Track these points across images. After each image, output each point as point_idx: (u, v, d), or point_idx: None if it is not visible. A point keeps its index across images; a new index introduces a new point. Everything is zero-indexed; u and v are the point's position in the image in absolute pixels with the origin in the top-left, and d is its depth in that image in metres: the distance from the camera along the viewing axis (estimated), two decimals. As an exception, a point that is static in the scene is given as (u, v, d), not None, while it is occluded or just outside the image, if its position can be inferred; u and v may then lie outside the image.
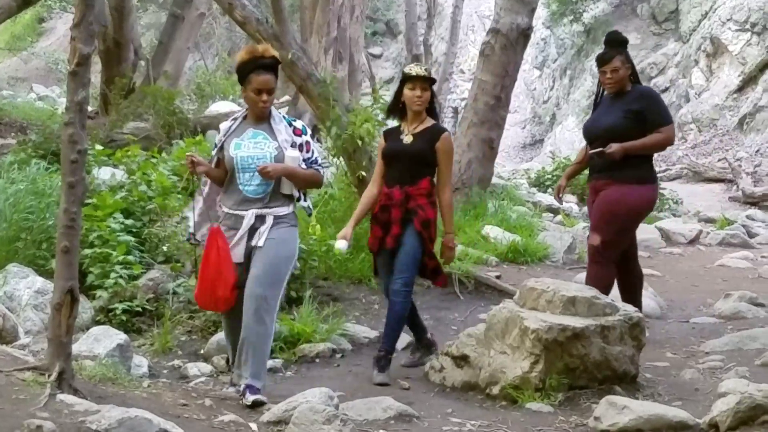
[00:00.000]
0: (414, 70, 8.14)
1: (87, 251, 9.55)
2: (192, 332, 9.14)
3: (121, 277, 9.56)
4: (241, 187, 7.06)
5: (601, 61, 8.81)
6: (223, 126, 7.32)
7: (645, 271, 12.23)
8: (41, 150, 15.23)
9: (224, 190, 7.23)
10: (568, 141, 30.04)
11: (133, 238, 10.27)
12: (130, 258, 9.91)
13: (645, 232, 15.49)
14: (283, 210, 7.11)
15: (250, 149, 7.02)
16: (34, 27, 53.41)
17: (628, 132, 8.64)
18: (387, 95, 20.36)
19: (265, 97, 7.03)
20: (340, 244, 8.15)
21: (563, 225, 16.11)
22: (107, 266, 9.72)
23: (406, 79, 8.19)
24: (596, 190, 8.93)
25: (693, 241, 15.87)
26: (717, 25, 27.92)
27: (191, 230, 7.39)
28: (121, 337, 8.16)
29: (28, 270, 9.91)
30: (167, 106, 18.53)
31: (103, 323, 8.95)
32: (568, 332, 7.31)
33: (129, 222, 10.44)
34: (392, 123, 8.94)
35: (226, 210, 7.18)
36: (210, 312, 9.04)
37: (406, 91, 8.19)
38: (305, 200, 7.33)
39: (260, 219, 7.03)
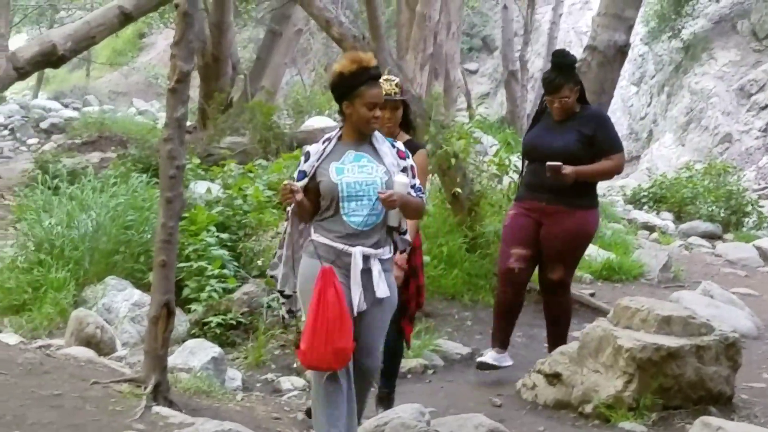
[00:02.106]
0: (384, 88, 6.86)
1: (183, 265, 9.67)
2: (285, 346, 9.18)
3: (215, 290, 9.68)
4: (345, 217, 5.77)
5: (549, 88, 8.29)
6: (314, 149, 6.00)
7: (742, 290, 12.13)
8: (140, 164, 15.51)
9: (318, 220, 5.88)
10: (665, 158, 29.74)
11: (228, 252, 10.39)
12: (225, 272, 10.02)
13: (742, 251, 15.32)
14: (387, 252, 5.91)
15: (356, 174, 5.80)
16: (134, 42, 54.17)
17: (580, 156, 8.17)
18: (482, 111, 20.32)
19: (378, 113, 5.89)
20: None
21: (659, 242, 15.96)
22: (202, 280, 9.85)
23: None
24: (541, 213, 8.32)
25: (793, 261, 15.59)
26: (819, 41, 27.56)
27: (278, 285, 6.13)
28: (215, 350, 8.25)
29: (126, 283, 10.10)
30: (265, 121, 18.73)
31: (198, 336, 9.06)
32: (662, 351, 7.24)
33: (224, 236, 10.57)
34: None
35: (322, 241, 5.81)
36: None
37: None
38: (406, 234, 6.13)
39: (365, 260, 5.77)
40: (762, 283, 13.30)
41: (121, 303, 9.69)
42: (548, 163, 8.08)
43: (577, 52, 30.05)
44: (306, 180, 5.87)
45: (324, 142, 5.99)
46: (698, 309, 9.18)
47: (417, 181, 6.05)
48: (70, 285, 9.92)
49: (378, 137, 6.01)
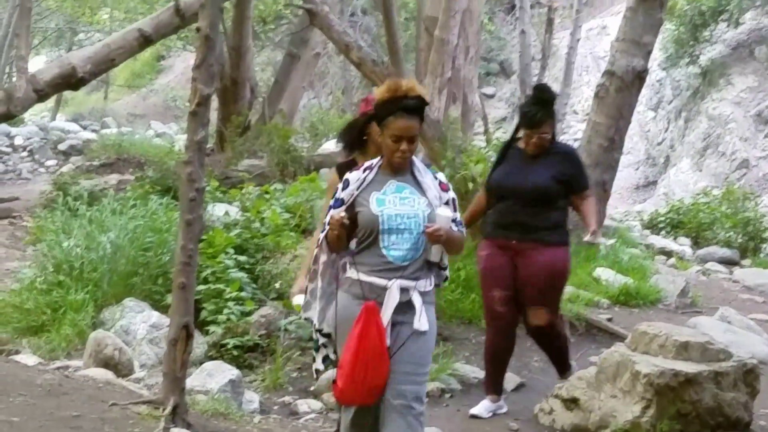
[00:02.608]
0: None
1: (201, 287, 9.69)
2: (303, 369, 9.18)
3: (233, 313, 9.70)
4: (384, 251, 5.51)
5: (530, 122, 7.90)
6: (354, 176, 5.70)
7: (760, 316, 12.10)
8: (158, 186, 15.55)
9: (353, 253, 5.64)
10: (683, 183, 29.70)
11: (246, 275, 10.42)
12: (243, 294, 10.05)
13: (760, 277, 15.29)
14: (428, 284, 5.63)
15: (398, 206, 5.54)
16: (153, 65, 54.43)
17: (554, 194, 7.94)
18: (500, 135, 20.36)
19: (404, 146, 5.54)
20: (300, 300, 6.36)
21: (676, 268, 15.93)
22: (220, 302, 9.87)
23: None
24: (514, 251, 7.97)
25: (815, 288, 15.51)
26: (838, 68, 27.54)
27: (315, 324, 5.88)
28: (233, 372, 8.27)
29: (144, 304, 10.14)
30: (282, 144, 18.81)
31: (216, 358, 9.07)
32: (680, 377, 7.24)
33: (242, 258, 10.60)
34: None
35: (359, 277, 5.56)
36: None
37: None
38: (446, 269, 5.85)
39: (404, 293, 5.50)
40: (783, 310, 13.26)
41: (139, 325, 9.72)
42: (590, 237, 7.98)
43: (595, 77, 30.02)
44: (343, 209, 5.56)
45: (365, 170, 5.71)
46: (716, 335, 9.18)
47: (458, 215, 5.77)
48: (88, 306, 9.95)
49: (420, 168, 5.74)
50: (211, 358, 9.11)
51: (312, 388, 8.78)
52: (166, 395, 6.34)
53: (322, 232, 5.72)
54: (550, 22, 25.15)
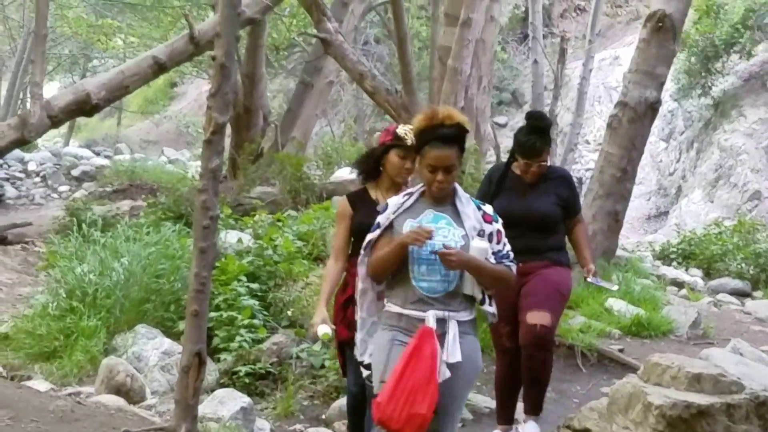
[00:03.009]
0: (408, 137, 6.53)
1: (213, 314, 9.72)
2: (314, 397, 9.20)
3: (245, 340, 9.74)
4: (414, 282, 5.42)
5: (529, 152, 7.67)
6: (393, 201, 5.69)
7: (771, 348, 12.05)
8: (171, 213, 15.59)
9: (387, 285, 5.62)
10: (694, 214, 29.68)
11: (257, 302, 10.45)
12: (255, 321, 10.08)
13: (768, 306, 15.27)
14: (466, 315, 5.50)
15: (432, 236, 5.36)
16: (166, 91, 54.65)
17: (557, 219, 7.85)
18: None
19: (441, 176, 5.43)
20: (325, 329, 6.50)
21: (688, 299, 15.90)
22: (232, 329, 9.90)
23: (396, 145, 6.73)
24: (521, 275, 7.03)
25: (824, 317, 15.47)
26: None
27: (357, 354, 5.86)
28: (244, 400, 8.29)
29: (156, 331, 10.17)
30: (295, 171, 18.83)
31: (228, 386, 9.09)
32: (692, 409, 7.20)
33: (255, 286, 10.64)
34: None
35: (394, 310, 5.50)
36: (333, 377, 9.12)
37: (395, 159, 6.75)
38: (491, 304, 5.66)
39: (441, 324, 5.36)
40: (792, 342, 13.22)
41: (151, 351, 9.75)
42: (590, 280, 7.92)
43: (607, 107, 30.06)
44: (379, 232, 5.62)
45: (405, 195, 5.69)
46: (728, 367, 9.13)
47: (505, 248, 5.66)
48: (100, 332, 9.99)
49: (462, 198, 5.60)
50: (223, 386, 9.13)
51: (323, 416, 8.79)
52: (178, 422, 6.33)
53: (361, 256, 5.71)
54: (562, 52, 25.21)
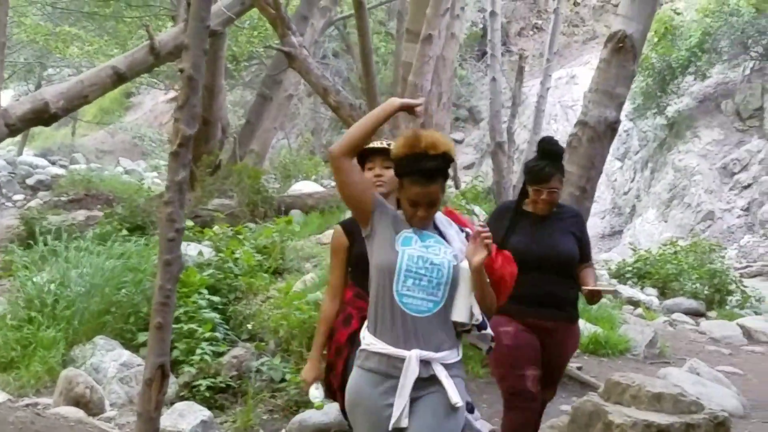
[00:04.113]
0: (374, 142, 6.06)
1: (173, 326, 9.66)
2: (274, 411, 9.18)
3: (206, 353, 9.68)
4: (396, 296, 4.80)
5: (539, 178, 6.92)
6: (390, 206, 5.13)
7: (727, 368, 12.17)
8: (127, 223, 15.53)
9: (369, 319, 4.98)
10: (648, 233, 29.93)
11: (218, 315, 10.41)
12: (216, 335, 10.04)
13: (726, 329, 15.38)
14: (453, 355, 4.88)
15: (422, 251, 4.89)
16: (121, 101, 54.49)
17: (576, 261, 7.06)
18: (473, 182, 20.39)
19: (422, 212, 4.91)
20: (315, 396, 6.05)
21: (644, 318, 16.00)
22: (192, 342, 9.85)
23: (364, 156, 6.09)
24: (545, 331, 6.92)
25: (776, 340, 15.63)
26: (803, 124, 27.86)
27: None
28: (204, 413, 8.28)
29: (115, 343, 10.12)
30: (253, 184, 18.82)
31: (187, 399, 9.06)
32: (653, 429, 7.24)
33: (215, 299, 10.60)
34: None
35: (373, 349, 4.86)
36: (293, 391, 9.10)
37: (366, 173, 6.07)
38: (485, 327, 5.01)
39: (425, 366, 4.74)
40: (746, 362, 13.32)
41: (110, 363, 9.69)
42: (600, 288, 7.09)
43: (563, 125, 30.18)
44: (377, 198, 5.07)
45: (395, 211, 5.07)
46: (686, 386, 9.21)
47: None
48: (59, 344, 9.91)
49: (443, 221, 5.11)
50: (183, 399, 9.10)
51: (283, 431, 8.77)
52: (141, 435, 6.31)
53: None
54: (520, 70, 25.28)
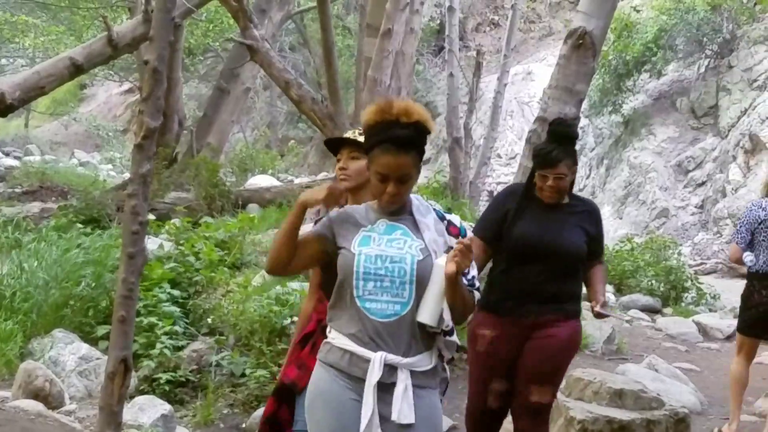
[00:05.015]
0: (347, 132, 5.61)
1: (133, 320, 9.63)
2: (234, 405, 9.15)
3: (166, 347, 9.63)
4: (358, 301, 4.32)
5: (544, 161, 6.33)
6: (343, 211, 4.62)
7: (684, 365, 12.25)
8: (82, 215, 15.43)
9: (331, 312, 4.53)
10: (603, 230, 30.10)
11: (178, 309, 10.37)
12: (176, 328, 9.99)
13: (682, 326, 15.47)
14: (425, 362, 4.37)
15: (382, 247, 4.37)
16: (75, 93, 54.12)
17: (583, 258, 6.40)
18: (431, 176, 20.42)
19: (392, 188, 4.36)
20: None
21: (600, 314, 16.07)
22: (152, 336, 9.80)
23: (335, 149, 5.60)
24: (530, 328, 6.29)
25: (730, 337, 15.69)
26: (756, 123, 27.96)
27: None
28: (165, 407, 8.25)
29: (74, 336, 10.04)
30: (210, 177, 18.75)
31: (147, 392, 9.02)
32: (614, 424, 7.32)
33: (176, 293, 10.55)
34: None
35: (336, 343, 4.41)
36: (253, 385, 9.07)
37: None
38: (453, 333, 4.47)
39: (389, 372, 4.26)
40: (703, 359, 13.43)
41: (68, 356, 9.60)
42: (599, 310, 6.24)
43: (519, 121, 30.27)
44: (311, 233, 4.56)
45: (366, 206, 4.61)
46: (645, 383, 9.27)
47: (471, 272, 4.49)
48: (17, 336, 9.82)
49: (420, 207, 4.55)
50: (142, 393, 9.05)
51: (244, 425, 8.75)
52: (102, 429, 6.25)
53: None
54: (478, 66, 25.31)
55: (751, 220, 8.96)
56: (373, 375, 4.20)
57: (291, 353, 5.52)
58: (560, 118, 7.18)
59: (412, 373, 4.28)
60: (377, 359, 4.22)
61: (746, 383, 9.24)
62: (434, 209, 4.58)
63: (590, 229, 6.44)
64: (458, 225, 4.55)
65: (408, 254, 4.33)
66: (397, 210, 4.47)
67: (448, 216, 4.58)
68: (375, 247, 4.36)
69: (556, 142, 6.36)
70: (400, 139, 4.29)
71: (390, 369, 4.23)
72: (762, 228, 8.90)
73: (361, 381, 4.26)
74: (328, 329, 4.49)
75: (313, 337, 5.33)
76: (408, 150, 4.32)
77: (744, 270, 9.52)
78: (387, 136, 4.30)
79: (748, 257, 8.99)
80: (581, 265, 6.39)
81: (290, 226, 4.44)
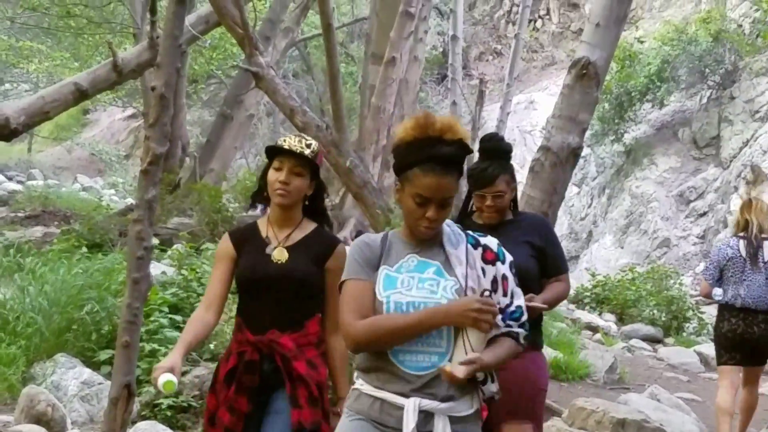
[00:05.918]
0: (286, 141, 5.11)
1: (135, 345, 9.62)
2: (235, 431, 9.12)
3: (168, 373, 9.60)
4: (390, 355, 3.84)
5: (480, 180, 5.84)
6: (363, 243, 4.08)
7: (686, 395, 12.22)
8: (85, 240, 15.43)
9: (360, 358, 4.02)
10: (604, 259, 30.05)
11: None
12: (178, 354, 9.97)
13: (684, 356, 15.48)
14: (464, 406, 3.88)
15: (413, 291, 3.86)
16: (78, 118, 54.21)
17: (533, 275, 5.78)
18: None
19: (433, 212, 3.88)
20: (168, 377, 4.74)
21: (602, 343, 16.07)
22: (154, 361, 9.77)
23: (273, 153, 5.17)
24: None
25: (731, 368, 15.69)
26: (758, 153, 27.99)
27: None
28: (167, 433, 8.22)
29: (76, 361, 10.00)
30: (213, 203, 18.75)
31: (149, 418, 8.98)
32: (617, 454, 7.31)
33: (178, 318, 10.53)
34: None
35: (365, 390, 3.93)
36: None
37: (270, 172, 5.11)
38: (493, 381, 4.02)
39: (425, 419, 3.78)
40: (704, 389, 13.41)
41: (71, 381, 9.58)
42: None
43: (521, 150, 30.35)
44: (360, 284, 3.98)
45: (382, 240, 4.08)
46: (647, 412, 9.26)
47: (514, 302, 4.04)
48: (19, 361, 9.81)
49: (451, 236, 4.04)
50: (144, 418, 9.01)
51: (245, 452, 8.71)
52: (105, 454, 6.27)
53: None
54: (481, 95, 25.32)
55: (720, 258, 9.56)
56: (409, 423, 3.74)
57: (219, 389, 5.11)
58: (491, 134, 6.44)
59: (452, 419, 3.82)
60: (411, 406, 3.76)
61: (732, 413, 9.45)
62: (467, 233, 4.11)
63: (535, 241, 5.89)
64: (495, 249, 4.08)
65: (443, 298, 3.84)
66: (428, 241, 4.01)
67: (483, 240, 4.10)
68: (405, 292, 3.88)
69: (489, 159, 5.89)
70: (444, 157, 3.84)
71: (426, 416, 3.78)
72: (730, 264, 9.42)
73: (394, 431, 3.82)
74: (355, 375, 4.04)
75: (236, 374, 5.01)
76: (452, 171, 3.88)
77: (745, 302, 9.70)
78: (430, 154, 3.83)
79: (716, 292, 9.52)
80: (533, 285, 5.71)
81: (413, 333, 3.83)
